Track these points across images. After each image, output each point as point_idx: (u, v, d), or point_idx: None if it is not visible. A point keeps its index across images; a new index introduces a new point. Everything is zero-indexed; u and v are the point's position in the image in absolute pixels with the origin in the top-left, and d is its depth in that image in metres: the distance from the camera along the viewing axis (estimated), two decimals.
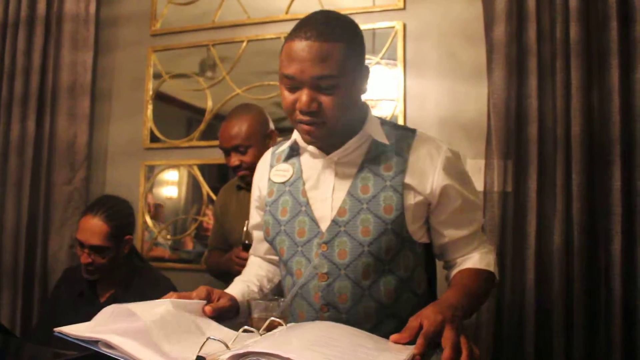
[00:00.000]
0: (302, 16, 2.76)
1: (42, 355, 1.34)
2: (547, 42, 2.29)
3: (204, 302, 1.26)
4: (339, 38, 1.26)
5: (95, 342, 1.00)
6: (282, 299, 1.27)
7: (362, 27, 2.72)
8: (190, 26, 3.07)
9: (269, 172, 1.54)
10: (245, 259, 2.00)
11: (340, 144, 1.39)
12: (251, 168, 2.19)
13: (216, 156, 2.93)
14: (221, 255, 2.29)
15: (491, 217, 2.28)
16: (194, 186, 3.05)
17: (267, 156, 1.61)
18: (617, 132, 2.13)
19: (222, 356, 0.92)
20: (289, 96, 1.30)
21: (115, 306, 1.07)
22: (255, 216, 1.63)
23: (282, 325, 1.12)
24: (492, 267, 1.42)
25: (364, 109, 1.43)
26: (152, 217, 3.08)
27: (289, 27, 2.90)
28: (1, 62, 3.17)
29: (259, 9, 2.95)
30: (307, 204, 1.41)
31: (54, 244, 3.05)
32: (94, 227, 2.13)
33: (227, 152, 2.23)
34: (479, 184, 2.37)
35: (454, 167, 1.41)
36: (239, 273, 1.83)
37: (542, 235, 2.24)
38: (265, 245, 1.61)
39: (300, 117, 1.30)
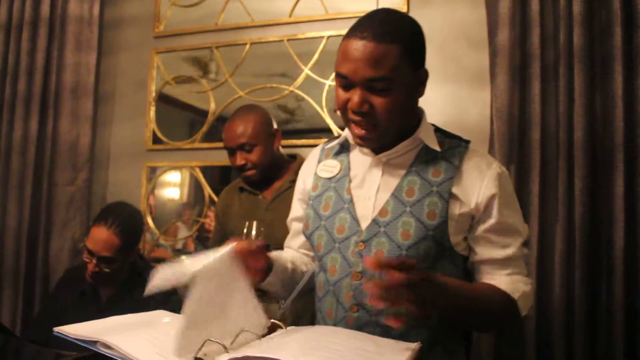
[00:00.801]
0: (305, 19, 2.79)
1: (42, 355, 1.34)
2: (550, 48, 2.29)
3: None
4: (395, 39, 1.23)
5: (94, 342, 1.00)
6: (283, 301, 1.26)
7: None
8: (194, 28, 3.08)
9: (316, 167, 1.53)
10: None
11: (390, 145, 1.37)
12: (257, 167, 2.19)
13: (218, 158, 2.93)
14: None
15: None
16: (195, 188, 3.05)
17: (316, 151, 1.60)
18: (620, 137, 2.13)
19: (220, 358, 0.92)
20: (342, 94, 1.30)
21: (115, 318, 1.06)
22: (297, 208, 1.61)
23: (282, 328, 1.11)
24: (517, 295, 1.30)
25: (419, 113, 1.42)
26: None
27: (292, 30, 2.93)
28: (5, 63, 3.18)
29: (262, 11, 2.95)
30: (351, 201, 1.40)
31: (55, 245, 3.05)
32: (106, 240, 2.12)
33: (232, 152, 2.23)
34: None
35: (502, 185, 1.35)
36: None
37: (544, 241, 2.24)
38: (300, 240, 1.59)
39: (352, 116, 1.30)
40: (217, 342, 0.96)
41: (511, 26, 2.31)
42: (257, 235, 2.00)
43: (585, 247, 2.16)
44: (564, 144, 2.22)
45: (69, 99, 3.10)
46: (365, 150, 1.42)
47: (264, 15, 2.94)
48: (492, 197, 1.33)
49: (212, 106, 3.00)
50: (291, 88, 2.84)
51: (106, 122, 3.24)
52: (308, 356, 0.89)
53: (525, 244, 1.40)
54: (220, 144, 2.93)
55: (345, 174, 1.45)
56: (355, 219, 1.37)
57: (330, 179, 1.47)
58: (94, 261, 2.13)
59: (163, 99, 3.14)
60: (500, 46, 2.33)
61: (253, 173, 2.21)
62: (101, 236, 2.13)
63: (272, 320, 1.12)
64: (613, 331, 2.09)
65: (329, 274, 1.40)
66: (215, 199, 2.91)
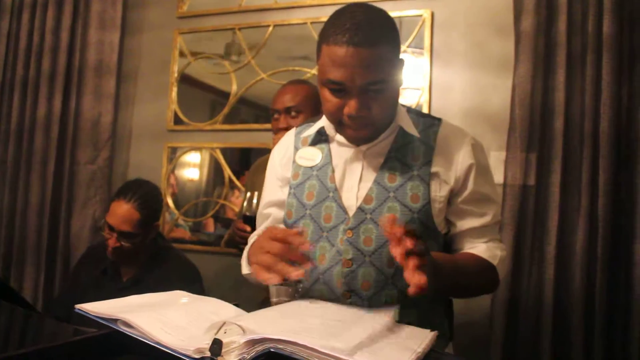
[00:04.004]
0: (329, 2, 2.75)
1: (62, 331, 1.36)
2: (577, 35, 2.25)
3: None
4: (384, 40, 1.24)
5: (115, 320, 1.01)
6: (301, 284, 1.27)
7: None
8: (217, 9, 3.07)
9: (294, 154, 1.52)
10: (244, 231, 2.03)
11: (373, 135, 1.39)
12: None
13: (239, 140, 2.94)
14: None
15: (511, 211, 2.26)
16: (215, 169, 3.07)
17: (290, 138, 1.58)
18: None
19: (239, 339, 0.93)
20: (333, 100, 1.29)
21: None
22: (276, 191, 1.55)
23: None
24: (495, 261, 1.38)
25: None
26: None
27: (315, 12, 2.90)
28: (30, 41, 3.20)
29: None
30: (336, 190, 1.40)
31: (76, 222, 3.09)
32: (126, 214, 2.14)
33: (277, 115, 2.23)
34: (500, 176, 2.34)
35: (477, 157, 1.41)
36: (240, 242, 1.97)
37: (564, 232, 2.22)
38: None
39: (348, 121, 1.30)
40: (235, 323, 0.97)
41: (536, 12, 2.27)
42: (258, 206, 2.01)
43: (607, 239, 2.13)
44: (588, 134, 2.18)
45: (92, 77, 3.12)
46: (345, 141, 1.42)
47: None
48: (469, 168, 1.38)
49: (234, 88, 3.00)
50: (313, 71, 2.83)
51: (128, 101, 3.25)
52: (324, 340, 0.90)
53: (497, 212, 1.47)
54: (241, 126, 2.96)
55: (327, 162, 1.44)
56: (341, 207, 1.38)
57: (311, 167, 1.46)
58: (115, 236, 2.15)
59: (185, 80, 3.14)
60: (525, 32, 2.29)
61: None
62: (121, 210, 2.15)
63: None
64: (631, 324, 2.08)
65: (317, 263, 1.40)
66: (235, 180, 2.95)
